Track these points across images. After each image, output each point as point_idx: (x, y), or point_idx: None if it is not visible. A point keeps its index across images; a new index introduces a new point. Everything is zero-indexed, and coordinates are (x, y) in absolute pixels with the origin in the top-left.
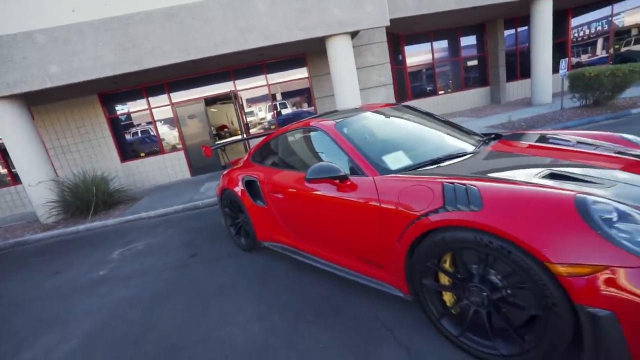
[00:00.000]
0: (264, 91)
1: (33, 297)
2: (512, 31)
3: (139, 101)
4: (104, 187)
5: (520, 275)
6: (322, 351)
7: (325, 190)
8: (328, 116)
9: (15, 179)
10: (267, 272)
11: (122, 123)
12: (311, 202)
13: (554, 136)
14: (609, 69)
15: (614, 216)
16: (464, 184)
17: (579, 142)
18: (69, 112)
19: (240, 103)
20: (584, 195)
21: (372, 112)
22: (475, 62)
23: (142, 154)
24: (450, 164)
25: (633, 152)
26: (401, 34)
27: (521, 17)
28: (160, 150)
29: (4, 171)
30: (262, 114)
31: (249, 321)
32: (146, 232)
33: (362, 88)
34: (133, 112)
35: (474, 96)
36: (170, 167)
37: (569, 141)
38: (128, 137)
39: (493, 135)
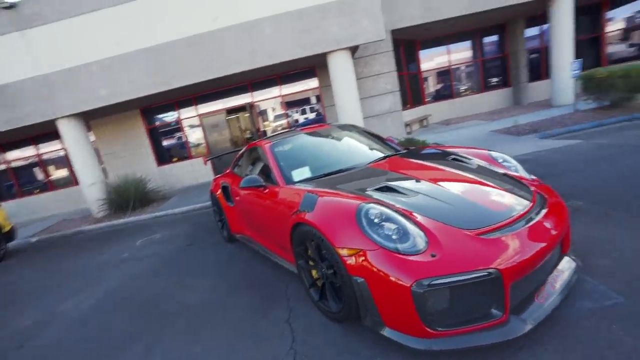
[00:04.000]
0: (278, 101)
1: (81, 269)
2: (536, 29)
3: (171, 113)
4: (140, 187)
5: (329, 256)
6: (236, 308)
7: (255, 195)
8: (274, 138)
9: (77, 180)
10: (232, 257)
11: (159, 132)
12: (251, 203)
13: (437, 152)
14: (621, 69)
15: (379, 218)
16: (312, 193)
17: (453, 158)
18: (117, 124)
19: (257, 112)
20: (363, 204)
21: (306, 133)
22: (496, 63)
23: (175, 159)
24: (332, 177)
25: (489, 168)
26: (415, 39)
27: (544, 14)
28: (189, 156)
29: (69, 174)
30: (276, 122)
31: (204, 289)
32: (167, 225)
33: (369, 96)
34: (167, 123)
35: (495, 98)
36: (198, 171)
37: (444, 157)
38: (163, 144)
39: (393, 153)
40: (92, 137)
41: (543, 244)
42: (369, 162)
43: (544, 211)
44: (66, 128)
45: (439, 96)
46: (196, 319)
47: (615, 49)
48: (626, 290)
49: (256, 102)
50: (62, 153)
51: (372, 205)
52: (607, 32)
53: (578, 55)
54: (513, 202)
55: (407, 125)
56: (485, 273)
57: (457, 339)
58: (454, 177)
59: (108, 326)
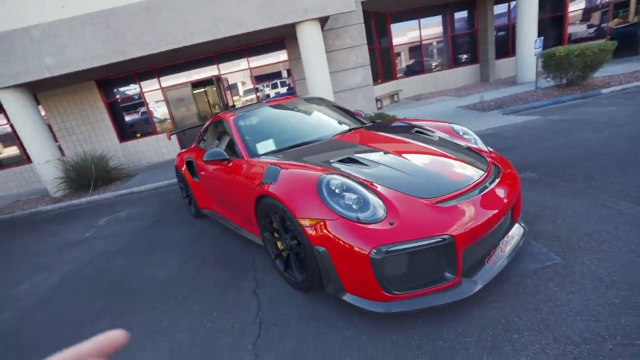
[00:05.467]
0: (247, 74)
1: (37, 250)
2: (504, 6)
3: (132, 86)
4: (102, 165)
5: (293, 227)
6: (205, 282)
7: (220, 169)
8: (238, 111)
9: (30, 158)
10: (200, 234)
11: (120, 106)
12: (216, 177)
13: (402, 125)
14: (578, 48)
15: (340, 188)
16: (275, 165)
17: (417, 131)
18: (70, 97)
19: (225, 85)
20: (324, 175)
21: (270, 106)
22: (465, 40)
23: (138, 135)
24: (297, 149)
25: (450, 141)
26: (386, 12)
27: None
28: (153, 132)
29: (19, 152)
30: (246, 97)
31: (171, 265)
32: (132, 203)
33: (340, 69)
34: (127, 96)
35: (464, 74)
36: (164, 147)
37: (409, 130)
38: (125, 119)
39: (359, 126)
40: (42, 112)
41: (494, 212)
42: (335, 134)
43: (497, 180)
44: (9, 101)
45: (410, 71)
46: (164, 295)
47: (576, 29)
48: (565, 252)
49: (223, 75)
50: (9, 129)
51: (333, 176)
52: (569, 12)
53: (542, 34)
54: (470, 172)
55: (378, 100)
56: (439, 239)
57: (413, 301)
58: (416, 148)
59: (68, 307)
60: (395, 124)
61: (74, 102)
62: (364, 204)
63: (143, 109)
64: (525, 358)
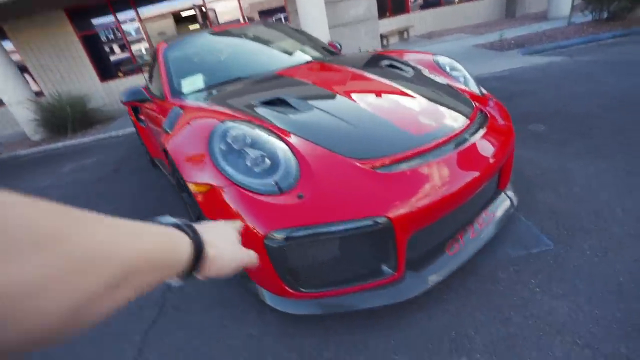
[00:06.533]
0: (235, 6)
1: None
2: None
3: (106, 17)
4: (79, 106)
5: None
6: None
7: (149, 111)
8: (175, 38)
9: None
10: (149, 187)
11: (97, 41)
12: (148, 121)
13: (372, 56)
14: None
15: (240, 143)
16: (181, 106)
17: (388, 65)
18: (40, 30)
19: (211, 18)
20: (220, 124)
21: (213, 33)
22: None
23: (120, 74)
24: (230, 87)
25: (429, 78)
26: None
27: None
28: (136, 70)
29: None
30: None
31: (118, 210)
32: (105, 149)
33: None
34: (103, 29)
35: (487, 8)
36: None
37: (378, 62)
38: (104, 55)
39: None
40: (10, 46)
41: (473, 175)
42: (279, 68)
43: (480, 132)
44: None
45: (425, 4)
46: None
47: None
48: (561, 236)
49: (209, 4)
50: None
51: (233, 125)
52: None
53: None
54: (443, 121)
55: (384, 37)
56: (369, 223)
57: (328, 301)
58: (376, 87)
59: None
60: (363, 55)
61: (45, 36)
62: (270, 166)
63: (123, 44)
64: None
